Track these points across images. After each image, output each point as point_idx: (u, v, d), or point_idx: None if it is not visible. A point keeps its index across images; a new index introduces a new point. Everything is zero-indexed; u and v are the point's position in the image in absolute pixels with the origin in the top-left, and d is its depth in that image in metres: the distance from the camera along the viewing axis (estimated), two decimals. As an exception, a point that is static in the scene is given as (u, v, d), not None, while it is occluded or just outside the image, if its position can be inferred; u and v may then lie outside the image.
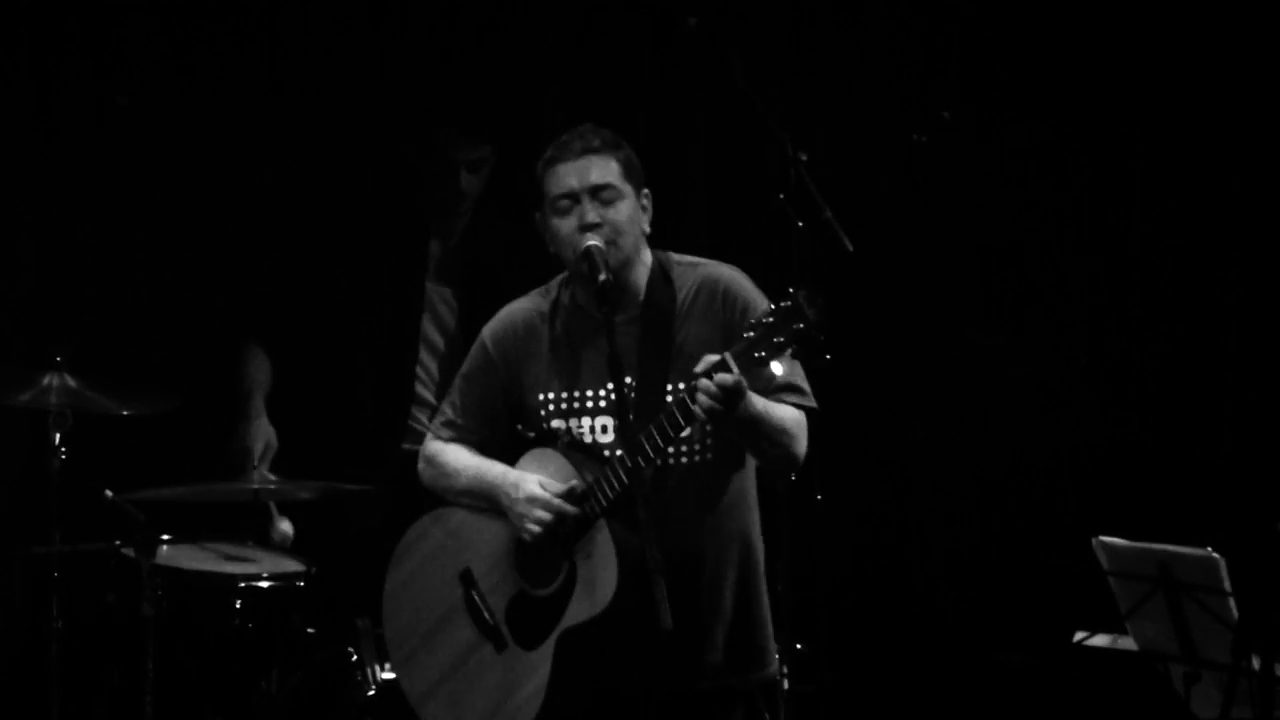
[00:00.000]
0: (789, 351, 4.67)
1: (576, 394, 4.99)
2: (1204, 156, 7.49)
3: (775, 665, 5.14)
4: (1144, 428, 7.48)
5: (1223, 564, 5.51)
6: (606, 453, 4.95)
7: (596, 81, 7.39)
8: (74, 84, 7.18)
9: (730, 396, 4.68)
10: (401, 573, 5.14)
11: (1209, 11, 7.42)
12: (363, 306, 6.96)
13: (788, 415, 4.91)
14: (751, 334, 4.69)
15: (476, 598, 4.99)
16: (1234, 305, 7.49)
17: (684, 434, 4.83)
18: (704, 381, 4.68)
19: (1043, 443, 7.53)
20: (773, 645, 5.11)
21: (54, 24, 7.15)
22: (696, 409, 4.70)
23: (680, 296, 4.99)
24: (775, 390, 4.90)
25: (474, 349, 5.15)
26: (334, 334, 6.96)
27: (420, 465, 5.22)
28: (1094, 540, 5.72)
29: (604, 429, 4.98)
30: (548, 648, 4.88)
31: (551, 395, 5.01)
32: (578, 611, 4.86)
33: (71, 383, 6.32)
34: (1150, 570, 5.61)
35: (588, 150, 4.96)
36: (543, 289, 5.13)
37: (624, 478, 4.79)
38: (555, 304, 5.07)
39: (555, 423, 5.00)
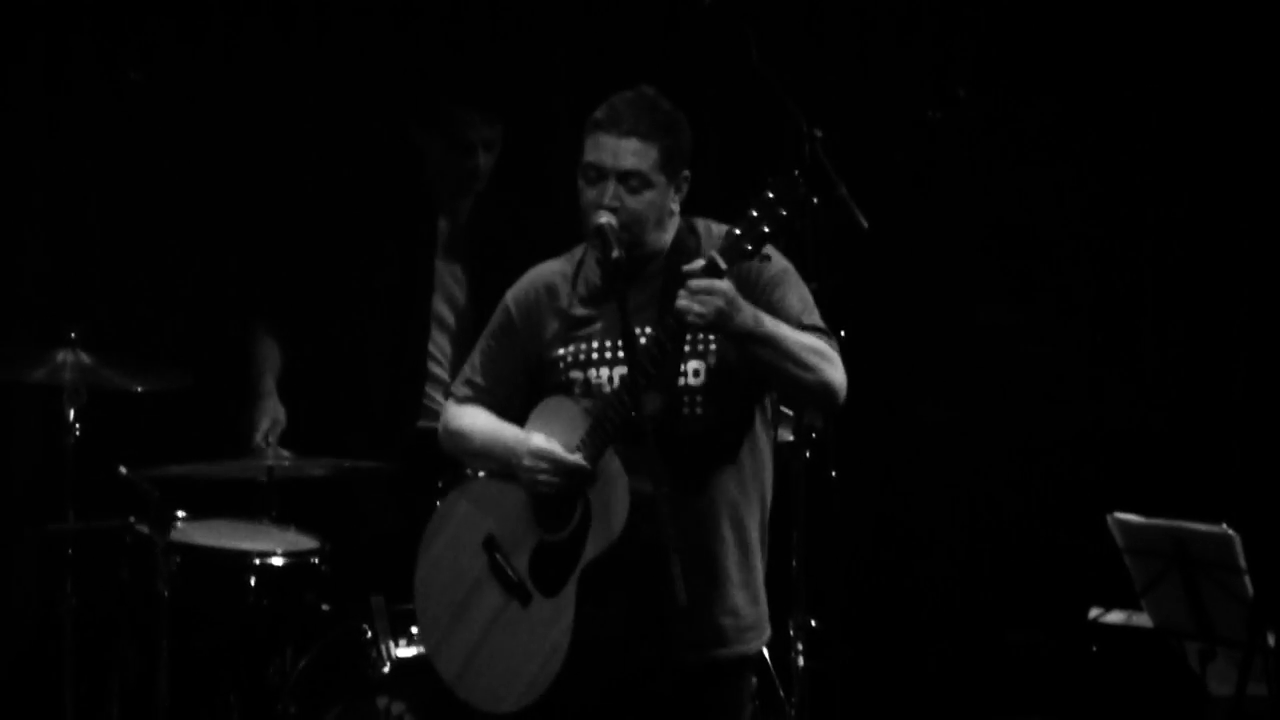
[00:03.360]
0: (774, 239, 4.73)
1: (595, 344, 4.98)
2: (1221, 136, 7.48)
3: (765, 636, 5.07)
4: (1159, 404, 7.48)
5: (1238, 541, 5.51)
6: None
7: (609, 58, 7.38)
8: (86, 60, 7.18)
9: (716, 294, 4.70)
10: (429, 557, 5.13)
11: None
12: (374, 286, 6.96)
13: (812, 339, 4.89)
14: (738, 230, 4.74)
15: (500, 559, 4.98)
16: (1249, 282, 7.48)
17: (684, 344, 4.85)
18: (692, 281, 4.72)
19: (1058, 420, 7.53)
20: (766, 618, 5.06)
21: (66, 1, 7.15)
22: (681, 303, 4.71)
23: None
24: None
25: (497, 311, 5.16)
26: (346, 313, 6.96)
27: (440, 430, 5.21)
28: (1109, 517, 5.72)
29: (620, 379, 4.94)
30: (570, 588, 4.86)
31: (571, 349, 5.00)
32: (596, 544, 4.84)
33: (85, 359, 6.32)
34: (1165, 547, 5.61)
35: (633, 132, 4.91)
36: (569, 253, 5.13)
37: (627, 400, 4.79)
38: (580, 265, 5.08)
39: (574, 374, 4.99)
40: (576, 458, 4.88)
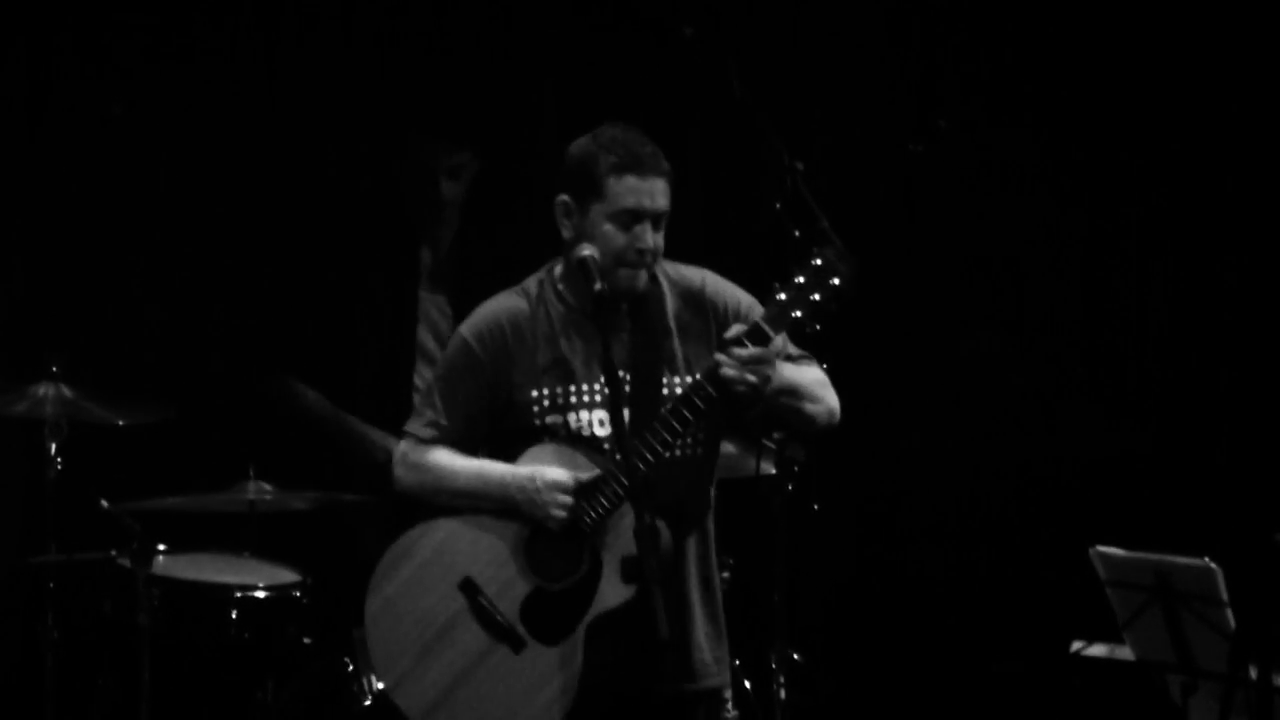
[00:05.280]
0: (826, 311, 4.67)
1: (572, 388, 4.93)
2: (1201, 166, 7.49)
3: (727, 673, 5.05)
4: (1142, 437, 7.48)
5: (1220, 574, 5.51)
6: (606, 446, 4.90)
7: (591, 90, 7.39)
8: (68, 93, 7.18)
9: (765, 364, 4.68)
10: (385, 593, 4.99)
11: (1205, 20, 7.43)
12: (357, 318, 6.95)
13: (814, 370, 4.93)
14: (783, 295, 4.70)
15: (484, 603, 4.89)
16: (1232, 315, 7.49)
17: (713, 410, 4.78)
18: (737, 350, 4.69)
19: (1040, 452, 7.53)
20: (727, 654, 5.05)
21: (49, 33, 7.15)
22: (731, 374, 4.68)
23: (667, 298, 4.96)
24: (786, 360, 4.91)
25: (454, 348, 5.05)
26: (330, 345, 6.95)
27: (398, 469, 5.07)
28: (1091, 550, 5.72)
29: (601, 423, 4.91)
30: (576, 639, 4.82)
31: (546, 391, 4.93)
32: (609, 597, 4.81)
33: (67, 393, 6.32)
34: (1148, 580, 5.61)
35: (663, 172, 4.88)
36: (518, 289, 5.05)
37: (649, 457, 4.75)
38: (540, 301, 5.00)
39: (551, 418, 4.92)
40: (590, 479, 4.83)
